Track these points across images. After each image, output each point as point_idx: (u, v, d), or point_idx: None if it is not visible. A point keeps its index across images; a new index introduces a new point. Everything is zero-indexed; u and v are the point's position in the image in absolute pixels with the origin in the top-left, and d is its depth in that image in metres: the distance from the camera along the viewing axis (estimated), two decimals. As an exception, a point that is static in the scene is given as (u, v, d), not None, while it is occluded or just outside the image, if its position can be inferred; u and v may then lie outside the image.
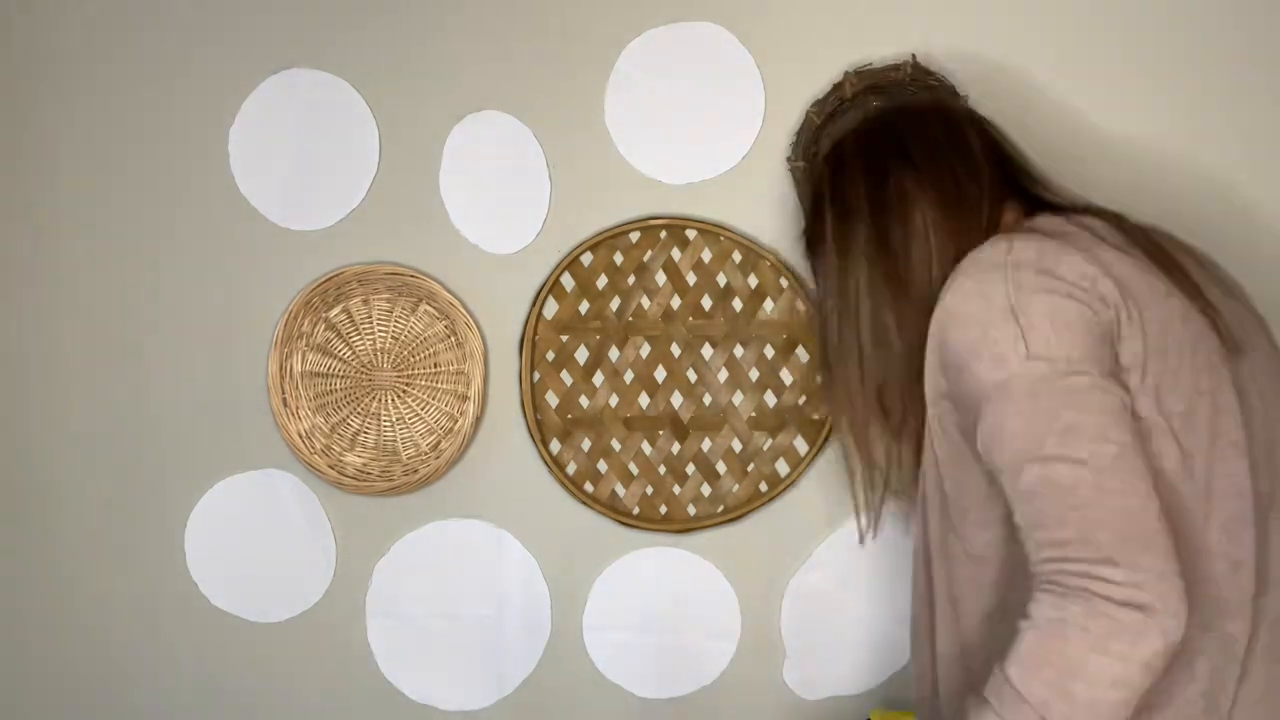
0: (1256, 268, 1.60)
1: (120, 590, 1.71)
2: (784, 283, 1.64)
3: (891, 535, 1.63)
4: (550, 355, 1.67)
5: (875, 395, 1.27)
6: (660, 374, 1.66)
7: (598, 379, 1.67)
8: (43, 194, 1.70)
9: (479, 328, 1.66)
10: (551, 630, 1.67)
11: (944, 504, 1.23)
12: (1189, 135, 1.59)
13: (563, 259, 1.65)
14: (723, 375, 1.66)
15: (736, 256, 1.64)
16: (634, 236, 1.65)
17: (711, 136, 1.63)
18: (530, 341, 1.66)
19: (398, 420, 1.69)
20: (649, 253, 1.65)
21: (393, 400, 1.69)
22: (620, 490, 1.67)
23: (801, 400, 1.64)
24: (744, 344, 1.65)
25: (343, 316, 1.68)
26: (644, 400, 1.66)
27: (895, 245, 1.24)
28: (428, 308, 1.67)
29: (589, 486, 1.67)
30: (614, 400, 1.67)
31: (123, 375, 1.69)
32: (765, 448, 1.65)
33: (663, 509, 1.67)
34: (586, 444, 1.67)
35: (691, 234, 1.65)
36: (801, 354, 1.64)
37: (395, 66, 1.66)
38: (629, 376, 1.66)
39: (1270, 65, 1.58)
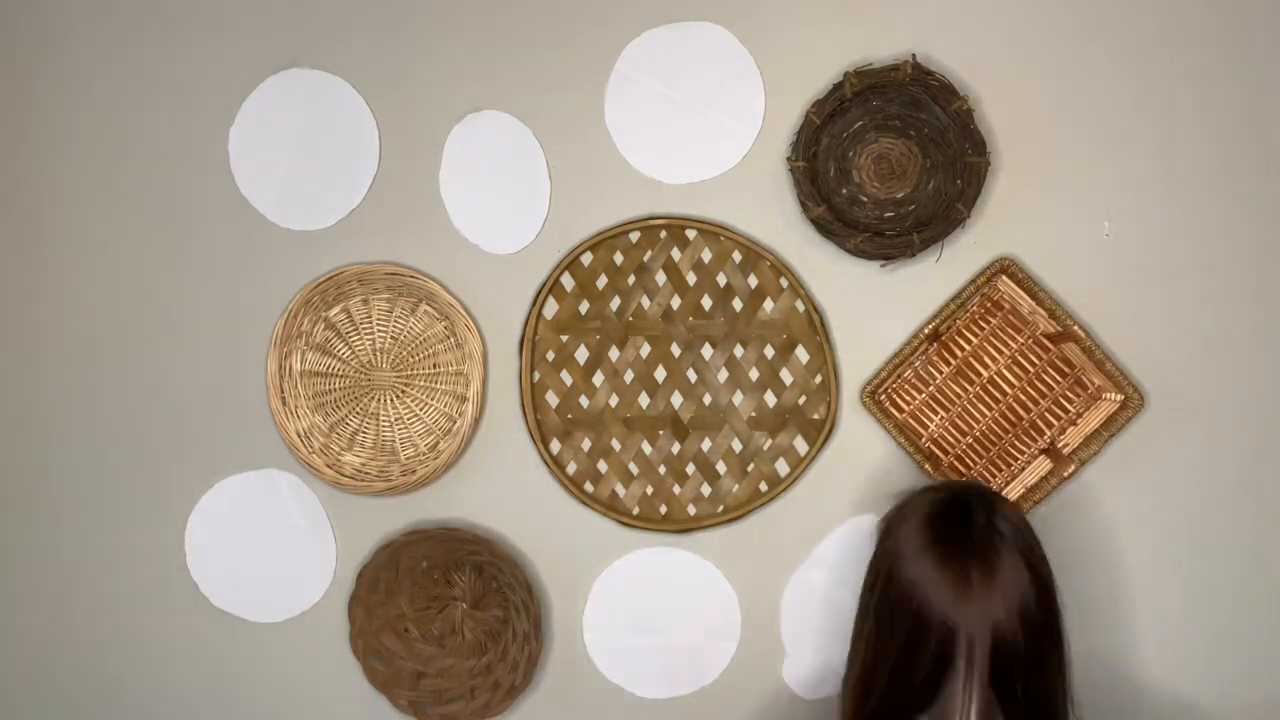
0: (1256, 260, 1.61)
1: (120, 590, 1.70)
2: (784, 283, 1.64)
3: (891, 535, 1.63)
4: (550, 355, 1.67)
5: None
6: (660, 374, 1.66)
7: (598, 379, 1.67)
8: (43, 194, 1.69)
9: (479, 328, 1.66)
10: (552, 630, 1.67)
11: None
12: (1188, 134, 1.60)
13: (563, 259, 1.65)
14: (723, 375, 1.66)
15: (736, 256, 1.64)
16: (634, 236, 1.65)
17: (711, 136, 1.63)
18: (530, 341, 1.66)
19: (396, 420, 1.68)
20: (649, 253, 1.66)
21: (391, 400, 1.69)
22: (620, 490, 1.67)
23: (801, 400, 1.65)
24: (744, 344, 1.65)
25: (342, 316, 1.68)
26: (644, 400, 1.66)
27: None
28: (427, 308, 1.67)
29: (589, 486, 1.67)
30: (614, 400, 1.67)
31: (122, 374, 1.69)
32: (765, 448, 1.65)
33: (663, 509, 1.67)
34: (586, 444, 1.67)
35: (691, 234, 1.65)
36: (801, 354, 1.64)
37: (395, 66, 1.66)
38: (629, 376, 1.67)
39: (1263, 64, 1.59)
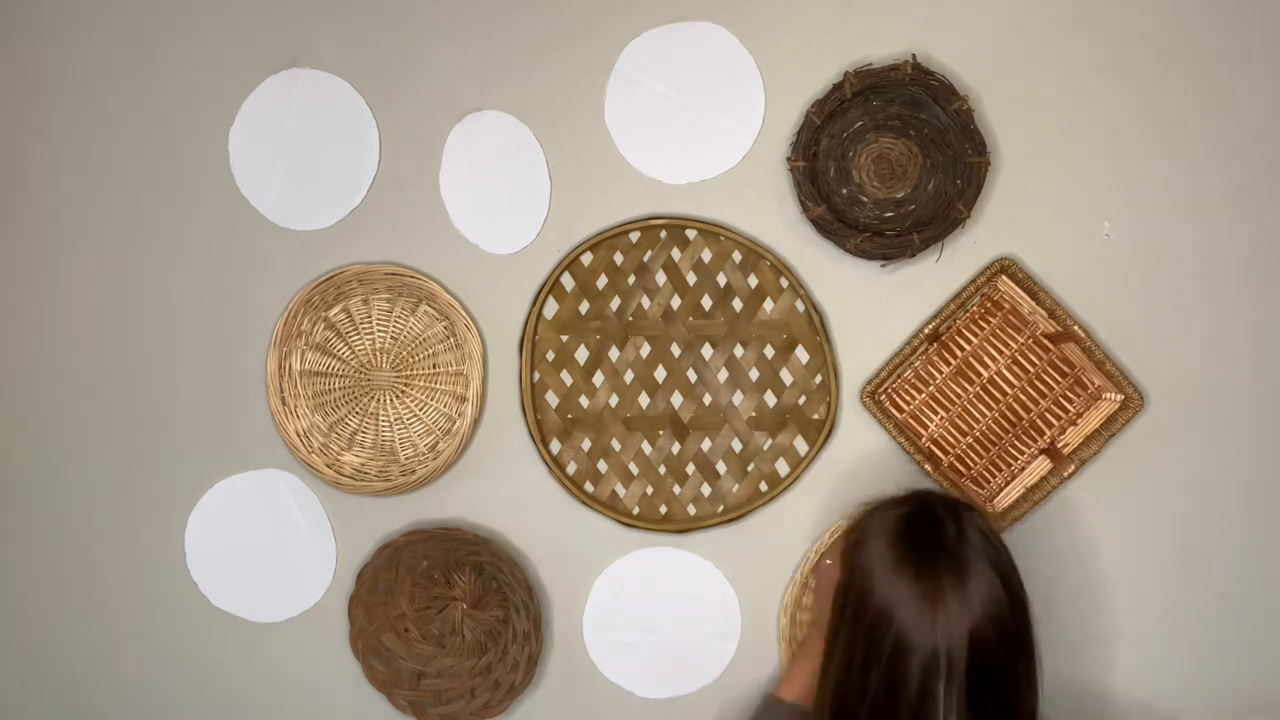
0: (1256, 260, 1.61)
1: (120, 590, 1.70)
2: (784, 283, 1.64)
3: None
4: (550, 355, 1.67)
5: None
6: (660, 374, 1.66)
7: (598, 379, 1.67)
8: (43, 194, 1.69)
9: (478, 328, 1.66)
10: (552, 630, 1.67)
11: None
12: (1188, 134, 1.60)
13: (563, 259, 1.65)
14: (723, 375, 1.66)
15: (736, 256, 1.64)
16: (634, 236, 1.65)
17: (711, 136, 1.63)
18: (530, 341, 1.66)
19: (396, 420, 1.68)
20: (649, 253, 1.66)
21: (391, 400, 1.69)
22: (620, 490, 1.67)
23: (801, 400, 1.65)
24: (744, 344, 1.65)
25: (342, 316, 1.68)
26: (644, 400, 1.66)
27: None
28: (427, 308, 1.67)
29: (589, 486, 1.67)
30: (614, 400, 1.67)
31: (122, 374, 1.69)
32: (765, 448, 1.65)
33: (663, 509, 1.67)
34: (586, 444, 1.67)
35: (691, 234, 1.65)
36: (801, 354, 1.64)
37: (395, 66, 1.66)
38: (629, 376, 1.67)
39: (1264, 64, 1.59)
